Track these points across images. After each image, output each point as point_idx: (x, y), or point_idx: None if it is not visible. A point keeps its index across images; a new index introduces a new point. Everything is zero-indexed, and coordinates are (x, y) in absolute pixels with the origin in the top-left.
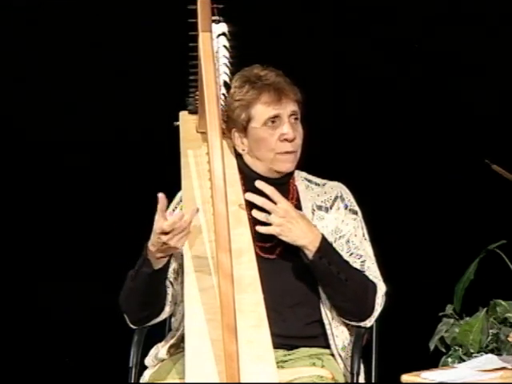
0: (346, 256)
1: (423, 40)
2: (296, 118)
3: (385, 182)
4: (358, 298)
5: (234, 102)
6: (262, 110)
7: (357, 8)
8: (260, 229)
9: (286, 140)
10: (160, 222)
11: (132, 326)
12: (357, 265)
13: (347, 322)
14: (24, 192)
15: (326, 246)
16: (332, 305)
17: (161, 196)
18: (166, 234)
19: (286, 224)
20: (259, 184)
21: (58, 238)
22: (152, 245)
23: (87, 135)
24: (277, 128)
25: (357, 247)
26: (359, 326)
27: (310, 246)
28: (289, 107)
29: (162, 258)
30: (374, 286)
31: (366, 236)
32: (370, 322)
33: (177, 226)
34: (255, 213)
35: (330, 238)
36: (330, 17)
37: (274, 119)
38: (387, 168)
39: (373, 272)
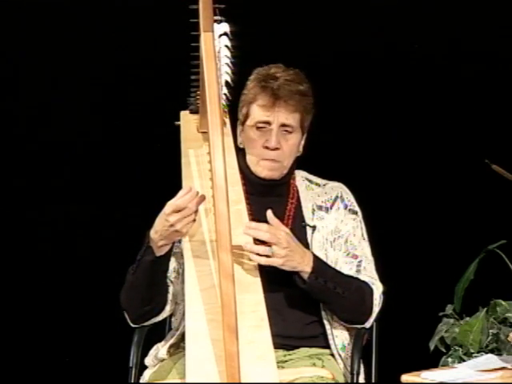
0: (343, 256)
1: (422, 40)
2: (287, 131)
3: (385, 182)
4: (357, 306)
5: (242, 95)
6: (255, 111)
7: (358, 8)
8: (261, 260)
9: (267, 148)
10: (173, 200)
11: (132, 324)
12: (353, 265)
13: (347, 326)
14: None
15: (318, 263)
16: (331, 314)
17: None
18: (177, 212)
19: (288, 253)
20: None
21: (58, 237)
22: (155, 232)
23: (87, 135)
24: (265, 133)
25: (354, 247)
26: (358, 328)
27: (307, 267)
28: (281, 117)
29: (163, 246)
30: (370, 289)
31: (365, 236)
32: (369, 323)
33: (189, 205)
34: (258, 248)
35: (329, 238)
36: (331, 17)
37: (264, 124)
38: (387, 168)
39: (369, 272)
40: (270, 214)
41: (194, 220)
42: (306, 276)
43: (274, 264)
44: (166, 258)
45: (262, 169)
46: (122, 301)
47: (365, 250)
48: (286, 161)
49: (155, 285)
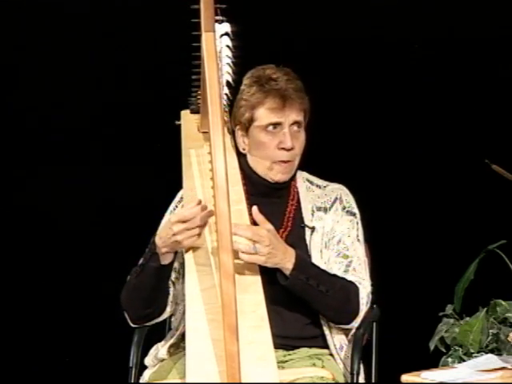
0: (334, 256)
1: (423, 40)
2: (298, 127)
3: (385, 182)
4: (342, 305)
5: (241, 100)
6: (264, 115)
7: (359, 8)
8: (245, 258)
9: (283, 149)
10: (183, 209)
11: (132, 324)
12: (342, 266)
13: (332, 325)
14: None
15: (301, 260)
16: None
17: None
18: (182, 222)
19: (271, 251)
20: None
21: (59, 237)
22: (159, 238)
23: (87, 134)
24: (277, 134)
25: (346, 247)
26: (347, 328)
27: (288, 264)
28: (292, 116)
29: (167, 253)
30: (355, 288)
31: (361, 238)
32: (356, 323)
33: (195, 218)
34: (242, 246)
35: (325, 239)
36: (333, 17)
37: (276, 126)
38: (388, 168)
39: (358, 273)
40: (255, 210)
41: (199, 235)
42: (287, 273)
43: (257, 262)
44: (170, 266)
45: (277, 172)
46: (122, 301)
47: (357, 251)
48: (297, 159)
49: (158, 290)
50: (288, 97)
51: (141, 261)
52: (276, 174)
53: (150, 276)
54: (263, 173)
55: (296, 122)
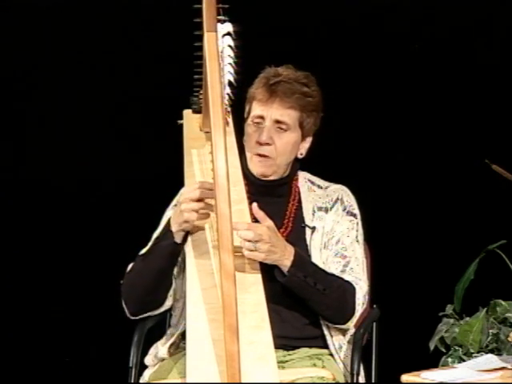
0: (332, 256)
1: (422, 41)
2: (283, 128)
3: (385, 182)
4: (339, 305)
5: (248, 93)
6: (254, 107)
7: (360, 8)
8: (244, 253)
9: (259, 143)
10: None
11: (131, 317)
12: (339, 265)
13: (330, 325)
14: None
15: (299, 258)
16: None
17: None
18: (196, 201)
19: (270, 248)
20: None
21: (58, 238)
22: (172, 218)
23: (88, 135)
24: (260, 128)
25: (345, 248)
26: (342, 328)
27: (286, 261)
28: (275, 113)
29: (178, 232)
30: (352, 288)
31: (360, 239)
32: (352, 323)
33: (196, 190)
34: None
35: (324, 239)
36: (335, 17)
37: (259, 119)
38: (388, 168)
39: (355, 273)
40: (255, 207)
41: (207, 215)
42: (285, 269)
43: (256, 258)
44: (179, 250)
45: (254, 165)
46: (123, 291)
47: (356, 251)
48: (279, 158)
49: (163, 273)
50: (275, 92)
51: (147, 247)
52: (254, 167)
53: (161, 257)
54: (249, 166)
55: (278, 122)
